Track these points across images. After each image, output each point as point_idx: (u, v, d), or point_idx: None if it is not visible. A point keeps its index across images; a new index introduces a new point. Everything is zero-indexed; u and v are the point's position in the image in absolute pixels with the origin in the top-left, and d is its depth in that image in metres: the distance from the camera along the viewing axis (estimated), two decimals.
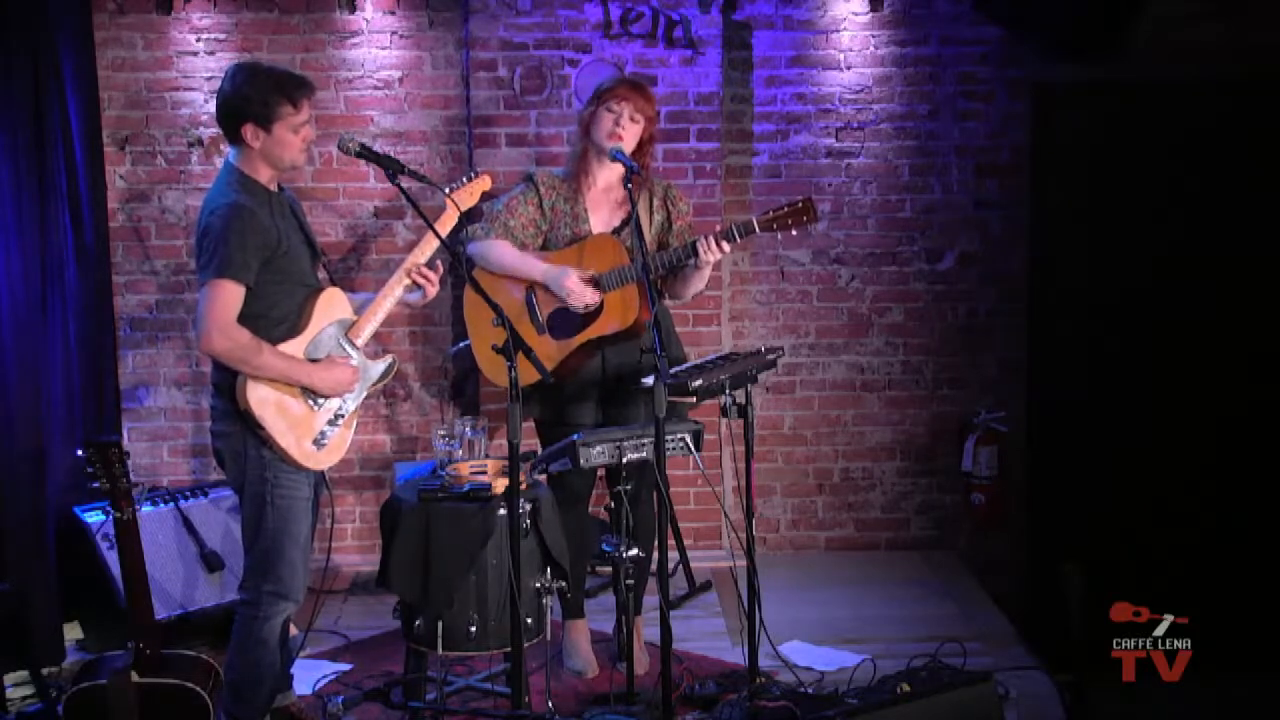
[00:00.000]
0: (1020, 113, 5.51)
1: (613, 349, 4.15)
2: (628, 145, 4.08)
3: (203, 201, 3.51)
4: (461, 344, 4.35)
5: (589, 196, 4.18)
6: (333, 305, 3.60)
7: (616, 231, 4.16)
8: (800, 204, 4.03)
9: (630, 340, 4.13)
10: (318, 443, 3.53)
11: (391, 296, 3.69)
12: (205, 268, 3.39)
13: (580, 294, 4.05)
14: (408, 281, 3.68)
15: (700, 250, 4.00)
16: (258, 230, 3.40)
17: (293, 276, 3.52)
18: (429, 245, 3.68)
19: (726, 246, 4.01)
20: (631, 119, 4.08)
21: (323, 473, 3.65)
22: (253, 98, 3.42)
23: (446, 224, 3.74)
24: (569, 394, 4.14)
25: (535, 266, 4.11)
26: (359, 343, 3.63)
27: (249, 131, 3.44)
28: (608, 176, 4.18)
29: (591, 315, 4.10)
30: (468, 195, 3.88)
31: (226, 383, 3.47)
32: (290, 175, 3.60)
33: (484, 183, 3.93)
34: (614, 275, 4.07)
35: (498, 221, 4.16)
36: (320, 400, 3.54)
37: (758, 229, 4.03)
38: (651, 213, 4.20)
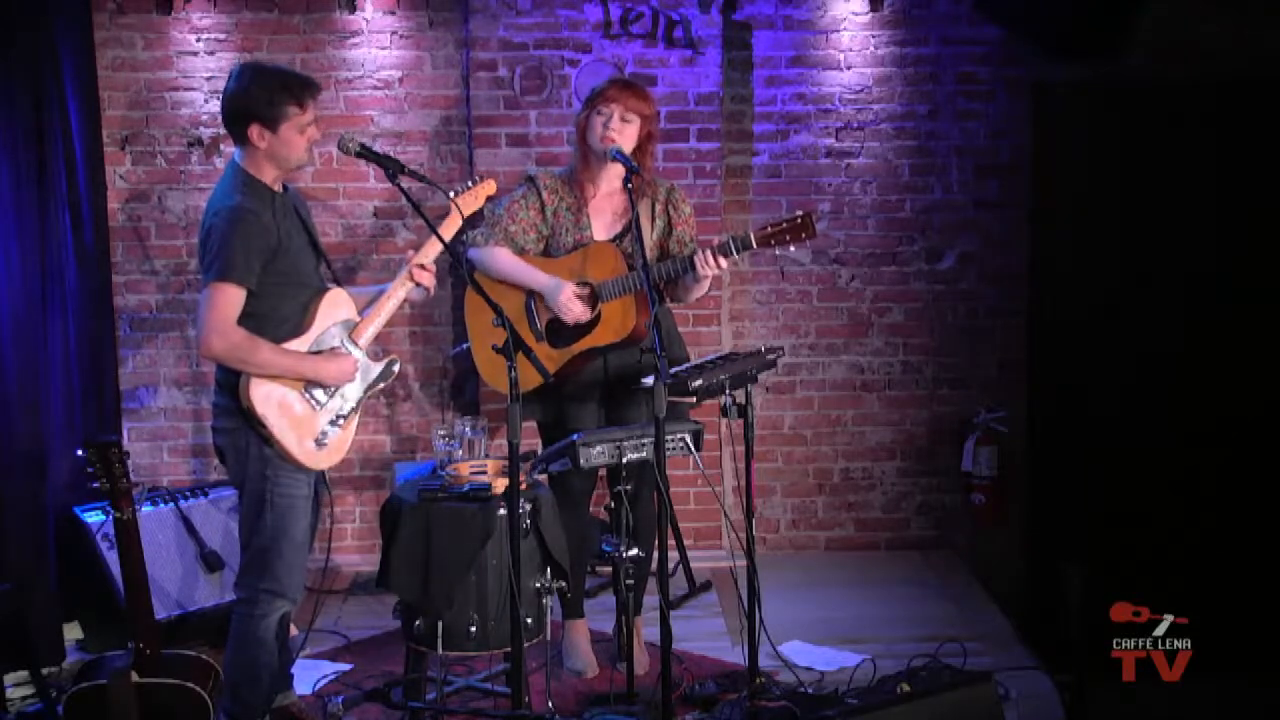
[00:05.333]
0: (1020, 113, 5.51)
1: (614, 354, 4.14)
2: (624, 146, 4.04)
3: (206, 202, 3.52)
4: (462, 345, 4.36)
5: (592, 202, 4.17)
6: (336, 305, 3.60)
7: (618, 238, 4.15)
8: (799, 220, 4.00)
9: (633, 345, 4.12)
10: (319, 442, 3.53)
11: (395, 298, 3.69)
12: (207, 270, 3.40)
13: (573, 310, 4.05)
14: (410, 284, 3.69)
15: (697, 264, 3.99)
16: (259, 233, 3.40)
17: (295, 278, 3.52)
18: (432, 247, 3.69)
19: (724, 262, 4.00)
20: (623, 119, 4.04)
21: (322, 473, 3.65)
22: (259, 98, 3.42)
23: (450, 227, 3.74)
24: (570, 395, 4.14)
25: (533, 277, 4.10)
26: (361, 343, 3.63)
27: (255, 132, 3.44)
28: (609, 181, 4.16)
29: (589, 325, 4.09)
30: (472, 199, 3.88)
31: (230, 380, 3.47)
32: (293, 174, 3.61)
33: (488, 187, 3.93)
34: (613, 285, 4.06)
35: (498, 227, 4.14)
36: (321, 400, 3.54)
37: (755, 244, 4.01)
38: (654, 218, 4.18)
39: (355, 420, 3.66)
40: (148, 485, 4.91)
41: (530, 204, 4.16)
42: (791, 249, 4.04)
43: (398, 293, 3.69)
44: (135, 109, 5.37)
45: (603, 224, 4.17)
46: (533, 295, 4.13)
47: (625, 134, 4.05)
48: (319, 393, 3.54)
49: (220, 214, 3.40)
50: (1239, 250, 5.42)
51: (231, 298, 3.38)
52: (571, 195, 4.16)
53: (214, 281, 3.38)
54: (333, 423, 3.57)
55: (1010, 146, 5.54)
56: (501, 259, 4.13)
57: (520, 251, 4.16)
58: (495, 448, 4.65)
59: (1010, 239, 5.57)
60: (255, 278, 3.40)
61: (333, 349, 3.56)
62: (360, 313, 3.67)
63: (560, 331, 4.11)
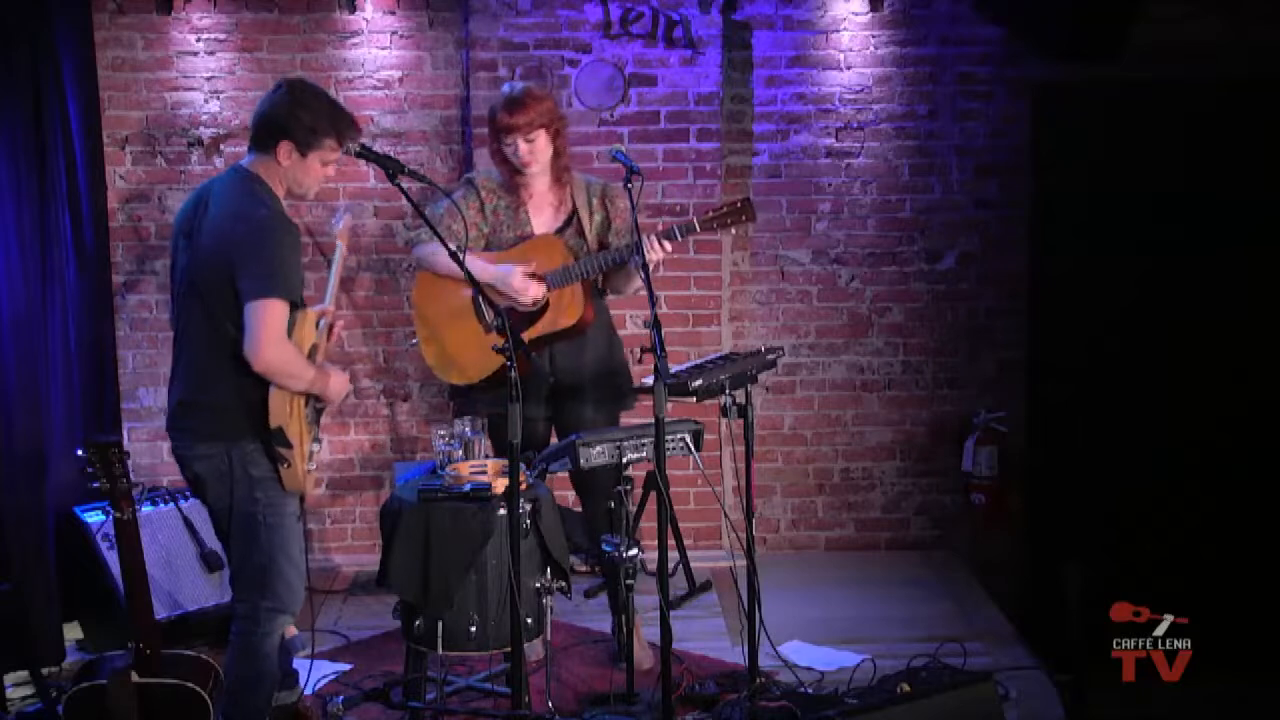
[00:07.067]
0: (1020, 113, 5.51)
1: (561, 348, 4.19)
2: (541, 159, 4.12)
3: (220, 203, 3.37)
4: (412, 341, 4.42)
5: (530, 201, 4.24)
6: (310, 326, 3.51)
7: (560, 231, 4.23)
8: (739, 204, 4.11)
9: (576, 337, 4.20)
10: (309, 464, 3.48)
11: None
12: (257, 282, 3.25)
13: (526, 290, 4.11)
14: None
15: (645, 248, 4.03)
16: (297, 245, 3.35)
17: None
18: (335, 287, 3.73)
19: (668, 245, 4.06)
20: (527, 140, 4.10)
21: None
22: (303, 120, 3.35)
23: (340, 263, 3.81)
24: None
25: (482, 268, 4.15)
26: (330, 367, 3.58)
27: (284, 150, 3.36)
28: (542, 182, 4.22)
29: (537, 313, 4.17)
30: (347, 232, 3.96)
31: (213, 402, 3.36)
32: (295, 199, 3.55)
33: (349, 221, 4.04)
34: (559, 274, 4.14)
35: (441, 225, 4.15)
36: (313, 421, 3.48)
37: (698, 228, 4.10)
38: (591, 212, 4.25)
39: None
40: (148, 485, 4.91)
41: (470, 203, 4.23)
42: (733, 231, 4.16)
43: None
44: (135, 109, 5.37)
45: (543, 219, 4.24)
46: (479, 288, 4.16)
47: (537, 149, 4.14)
48: (311, 412, 3.48)
49: (259, 225, 3.30)
50: (1240, 250, 5.42)
51: (282, 312, 3.27)
52: (509, 194, 4.24)
53: (268, 298, 3.24)
54: (314, 443, 3.53)
55: (1010, 146, 5.54)
56: (441, 255, 4.14)
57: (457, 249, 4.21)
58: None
59: (1010, 239, 5.57)
60: (298, 292, 3.33)
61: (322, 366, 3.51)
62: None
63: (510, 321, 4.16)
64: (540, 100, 4.15)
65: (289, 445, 3.37)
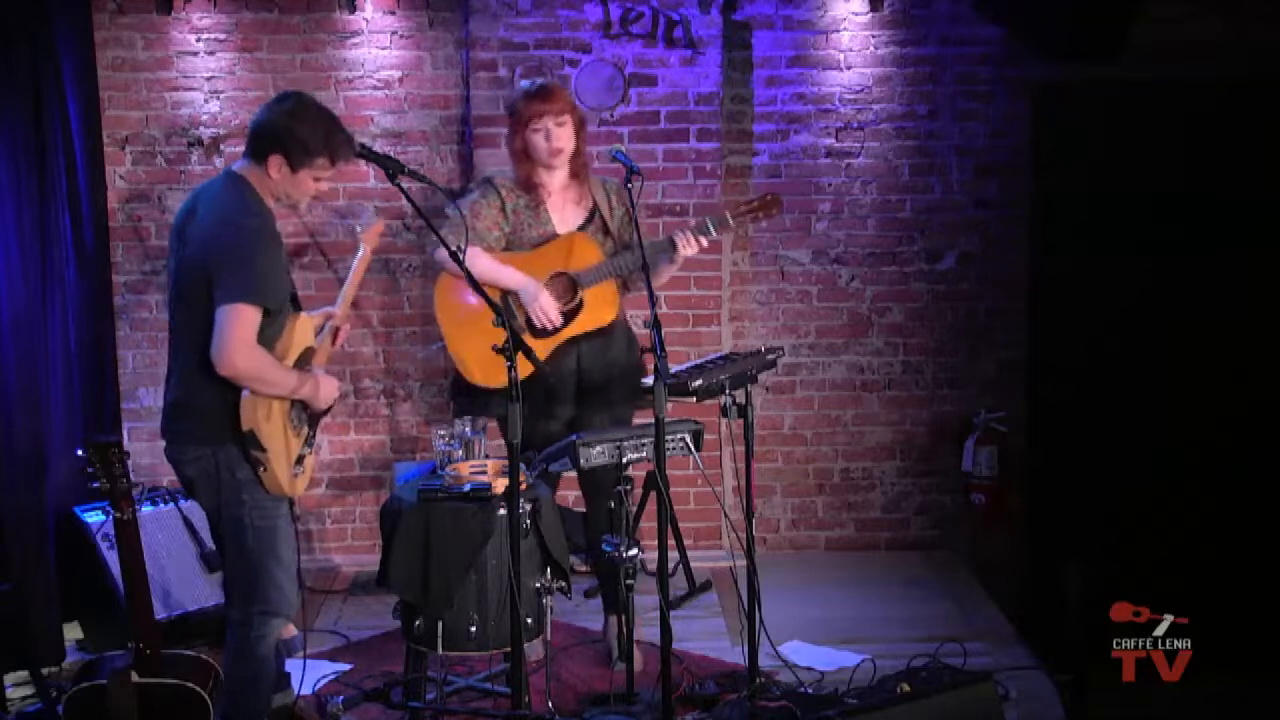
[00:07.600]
0: (1020, 113, 5.51)
1: (587, 347, 4.20)
2: (567, 147, 4.13)
3: (208, 208, 3.36)
4: (435, 345, 4.39)
5: (549, 200, 4.23)
6: (306, 330, 3.52)
7: (583, 228, 4.23)
8: (768, 197, 4.20)
9: (605, 337, 4.19)
10: (295, 468, 3.47)
11: (341, 318, 3.73)
12: (230, 287, 3.24)
13: (547, 315, 4.12)
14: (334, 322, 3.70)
15: (679, 244, 4.07)
16: (281, 255, 3.35)
17: (284, 300, 3.45)
18: (345, 302, 3.76)
19: (704, 240, 4.11)
20: (558, 124, 4.10)
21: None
22: (298, 136, 3.33)
23: (361, 267, 3.81)
24: (543, 394, 4.13)
25: (510, 277, 4.14)
26: (319, 370, 3.58)
27: (274, 162, 3.34)
28: (559, 179, 4.22)
29: (572, 312, 4.17)
30: (374, 235, 3.97)
31: (209, 405, 3.36)
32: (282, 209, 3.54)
33: (379, 226, 4.05)
34: (592, 272, 4.14)
35: (463, 225, 4.14)
36: (296, 424, 3.47)
37: (731, 221, 4.17)
38: (611, 208, 4.27)
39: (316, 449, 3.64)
40: (148, 485, 4.90)
41: (491, 202, 4.22)
42: (763, 223, 4.30)
43: (341, 312, 3.76)
44: (135, 109, 5.37)
45: (563, 218, 4.24)
46: (480, 289, 4.13)
47: (565, 136, 4.13)
48: (296, 417, 3.47)
49: (242, 230, 3.29)
50: (1240, 250, 5.43)
51: (253, 318, 3.26)
52: (527, 194, 4.23)
53: (239, 303, 3.23)
54: (305, 446, 3.52)
55: (1010, 146, 5.54)
56: (473, 257, 4.11)
57: (485, 250, 4.20)
58: (495, 448, 4.64)
59: (1010, 239, 5.58)
60: (277, 300, 3.33)
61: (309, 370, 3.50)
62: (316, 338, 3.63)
63: None
64: (562, 91, 4.21)
65: (263, 449, 3.34)
